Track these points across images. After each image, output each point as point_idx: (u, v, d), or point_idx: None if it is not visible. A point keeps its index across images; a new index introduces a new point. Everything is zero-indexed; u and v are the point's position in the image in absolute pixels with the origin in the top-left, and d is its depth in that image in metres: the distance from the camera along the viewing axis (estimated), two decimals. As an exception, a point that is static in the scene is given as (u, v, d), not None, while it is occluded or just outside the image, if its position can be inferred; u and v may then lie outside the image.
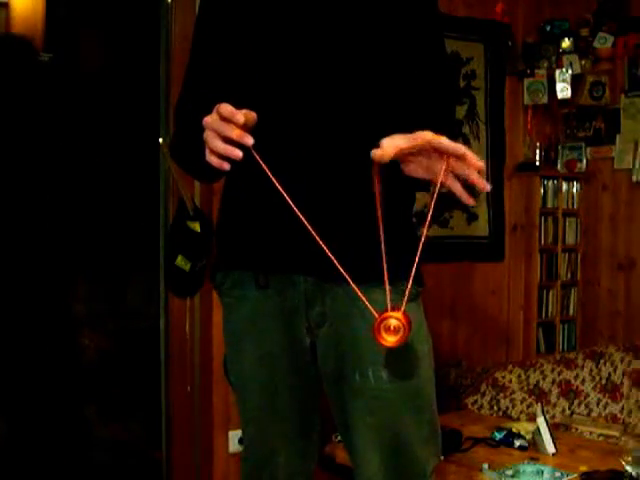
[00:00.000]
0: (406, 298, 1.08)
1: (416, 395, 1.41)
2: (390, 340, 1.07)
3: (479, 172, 1.14)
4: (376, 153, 1.11)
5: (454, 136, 1.35)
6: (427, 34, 1.46)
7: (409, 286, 1.10)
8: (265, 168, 1.11)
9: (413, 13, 1.43)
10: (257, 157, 1.12)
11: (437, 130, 1.17)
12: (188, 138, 1.36)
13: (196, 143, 1.21)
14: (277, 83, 1.38)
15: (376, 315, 1.07)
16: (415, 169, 1.20)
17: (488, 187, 1.15)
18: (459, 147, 1.13)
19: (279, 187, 1.11)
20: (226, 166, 1.13)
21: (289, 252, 1.37)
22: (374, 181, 1.11)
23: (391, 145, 1.12)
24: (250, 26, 1.41)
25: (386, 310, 1.07)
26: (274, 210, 1.37)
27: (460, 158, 1.13)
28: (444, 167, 1.13)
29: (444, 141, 1.13)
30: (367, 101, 1.39)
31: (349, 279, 1.09)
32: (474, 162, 1.13)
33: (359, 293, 1.10)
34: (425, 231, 1.16)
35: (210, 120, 1.13)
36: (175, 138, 1.52)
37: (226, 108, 1.11)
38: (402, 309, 1.07)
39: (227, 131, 1.11)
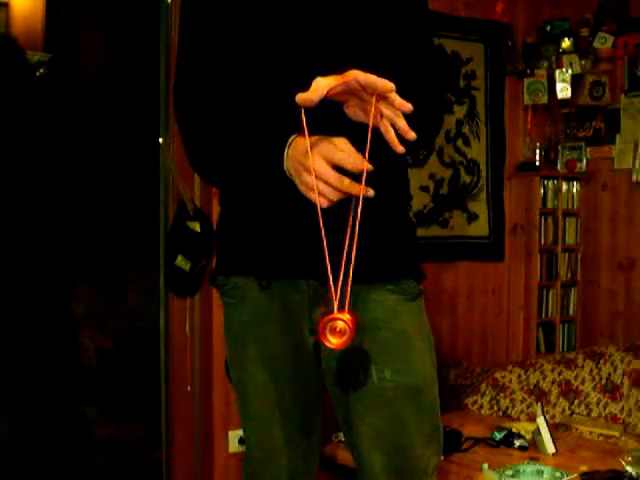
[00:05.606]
0: (348, 295, 1.06)
1: (418, 394, 1.41)
2: (334, 342, 1.04)
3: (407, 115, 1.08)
4: (301, 96, 1.07)
5: (440, 120, 1.30)
6: (414, 22, 1.42)
7: (349, 282, 1.07)
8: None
9: (401, 4, 1.40)
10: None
11: (425, 112, 1.12)
12: (213, 138, 1.33)
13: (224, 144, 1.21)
14: (266, 83, 1.36)
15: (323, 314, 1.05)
16: (355, 112, 1.16)
17: (412, 134, 1.09)
18: (384, 83, 1.06)
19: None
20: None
21: (292, 258, 1.36)
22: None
23: (320, 85, 1.07)
24: (242, 15, 1.36)
25: (333, 311, 1.04)
26: (274, 215, 1.37)
27: (385, 97, 1.07)
28: (372, 107, 1.07)
29: (370, 77, 1.06)
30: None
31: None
32: (398, 102, 1.07)
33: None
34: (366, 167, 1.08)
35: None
36: (193, 137, 1.39)
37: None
38: (346, 309, 1.04)
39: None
